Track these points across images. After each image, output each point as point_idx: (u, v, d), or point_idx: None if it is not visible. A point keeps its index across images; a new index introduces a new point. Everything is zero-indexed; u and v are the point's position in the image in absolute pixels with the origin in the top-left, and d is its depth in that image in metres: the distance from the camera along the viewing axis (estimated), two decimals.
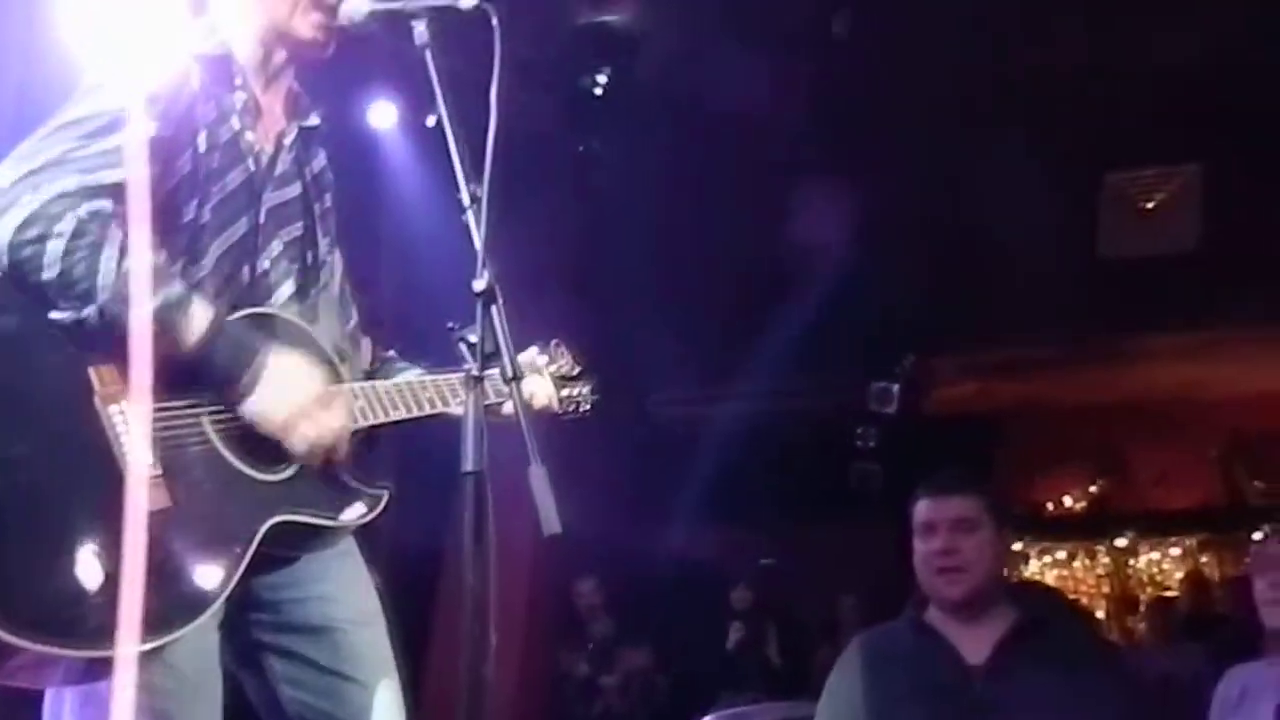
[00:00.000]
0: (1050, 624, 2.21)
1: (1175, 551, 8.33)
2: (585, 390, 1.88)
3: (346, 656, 1.49)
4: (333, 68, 1.60)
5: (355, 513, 1.46)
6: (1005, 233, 5.89)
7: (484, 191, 1.31)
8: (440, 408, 1.58)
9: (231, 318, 1.42)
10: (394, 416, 1.52)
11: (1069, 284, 6.23)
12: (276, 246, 1.54)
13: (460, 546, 1.20)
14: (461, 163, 1.35)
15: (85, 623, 1.18)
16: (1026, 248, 5.98)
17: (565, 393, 1.84)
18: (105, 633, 1.17)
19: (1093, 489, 8.51)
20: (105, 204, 1.31)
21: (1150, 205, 6.40)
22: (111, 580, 1.18)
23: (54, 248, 1.26)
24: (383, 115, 4.88)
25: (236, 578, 1.32)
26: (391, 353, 1.73)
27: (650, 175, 5.60)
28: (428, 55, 1.39)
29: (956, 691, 2.06)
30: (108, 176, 1.31)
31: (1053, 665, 2.06)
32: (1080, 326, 6.64)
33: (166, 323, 1.30)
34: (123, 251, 1.29)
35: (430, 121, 1.42)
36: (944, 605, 2.14)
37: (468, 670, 1.17)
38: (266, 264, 1.52)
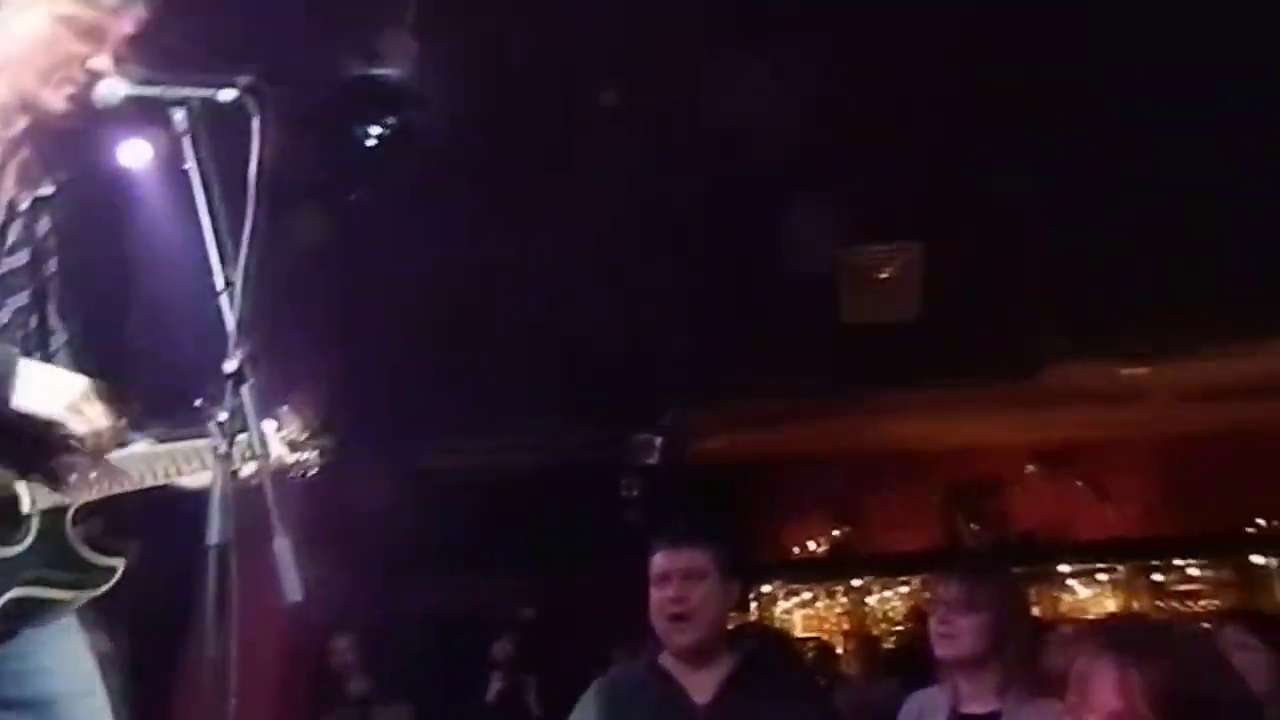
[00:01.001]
0: (766, 665, 2.45)
1: (904, 590, 9.09)
2: (314, 455, 1.91)
3: None
4: None
5: (91, 584, 1.46)
6: (758, 296, 6.37)
7: (239, 276, 1.38)
8: (174, 478, 1.60)
9: None
10: (128, 487, 1.54)
11: (813, 346, 6.80)
12: (4, 315, 1.52)
13: (203, 616, 1.25)
14: (219, 244, 1.40)
15: None
16: (777, 311, 6.49)
17: (295, 458, 1.86)
18: None
19: (834, 534, 9.19)
20: None
21: (881, 277, 7.07)
22: None
23: None
24: (136, 154, 4.64)
25: None
26: (123, 422, 1.72)
27: (421, 227, 5.63)
28: (185, 143, 1.44)
29: None
30: None
31: (768, 701, 2.27)
32: (822, 385, 7.21)
33: None
34: None
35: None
36: (674, 650, 2.32)
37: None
38: None
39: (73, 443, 1.48)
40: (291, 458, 1.84)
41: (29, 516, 1.43)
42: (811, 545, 9.14)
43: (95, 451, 1.49)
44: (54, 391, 1.46)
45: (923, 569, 8.93)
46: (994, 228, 5.92)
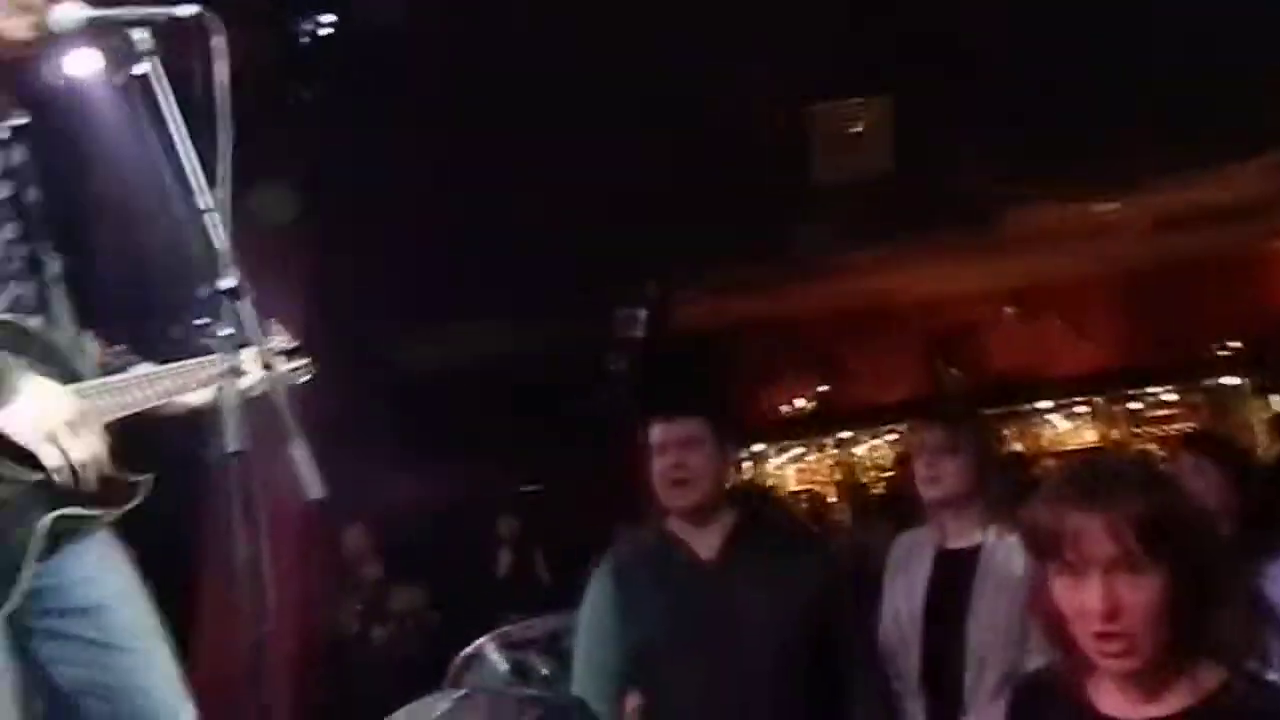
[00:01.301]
0: (765, 519, 2.59)
1: (891, 438, 9.37)
2: (301, 363, 1.98)
3: (117, 630, 1.58)
4: None
5: (120, 501, 1.54)
6: (729, 159, 6.33)
7: (223, 194, 1.40)
8: (176, 397, 1.66)
9: None
10: (143, 406, 1.60)
11: (785, 204, 6.81)
12: None
13: (224, 520, 1.33)
14: (196, 167, 1.42)
15: None
16: (750, 173, 6.46)
17: (285, 368, 1.90)
18: None
19: (820, 389, 9.41)
20: None
21: (854, 132, 7.02)
22: None
23: None
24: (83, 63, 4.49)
25: (25, 573, 1.38)
26: (121, 347, 1.77)
27: (381, 117, 5.54)
28: (150, 64, 1.44)
29: (693, 582, 2.38)
30: None
31: (768, 552, 2.42)
32: (798, 243, 7.26)
33: None
34: None
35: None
36: (678, 512, 2.44)
37: (249, 631, 1.31)
38: None
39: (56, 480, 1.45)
40: (283, 367, 1.89)
41: None
42: (799, 403, 9.37)
43: (70, 483, 1.46)
44: (34, 419, 1.43)
45: (907, 417, 9.18)
46: (960, 75, 5.88)
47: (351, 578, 5.53)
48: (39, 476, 1.47)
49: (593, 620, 2.46)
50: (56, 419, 1.45)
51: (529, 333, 7.24)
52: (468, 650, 3.25)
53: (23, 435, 1.42)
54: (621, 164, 6.15)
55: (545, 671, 3.07)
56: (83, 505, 1.50)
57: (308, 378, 1.94)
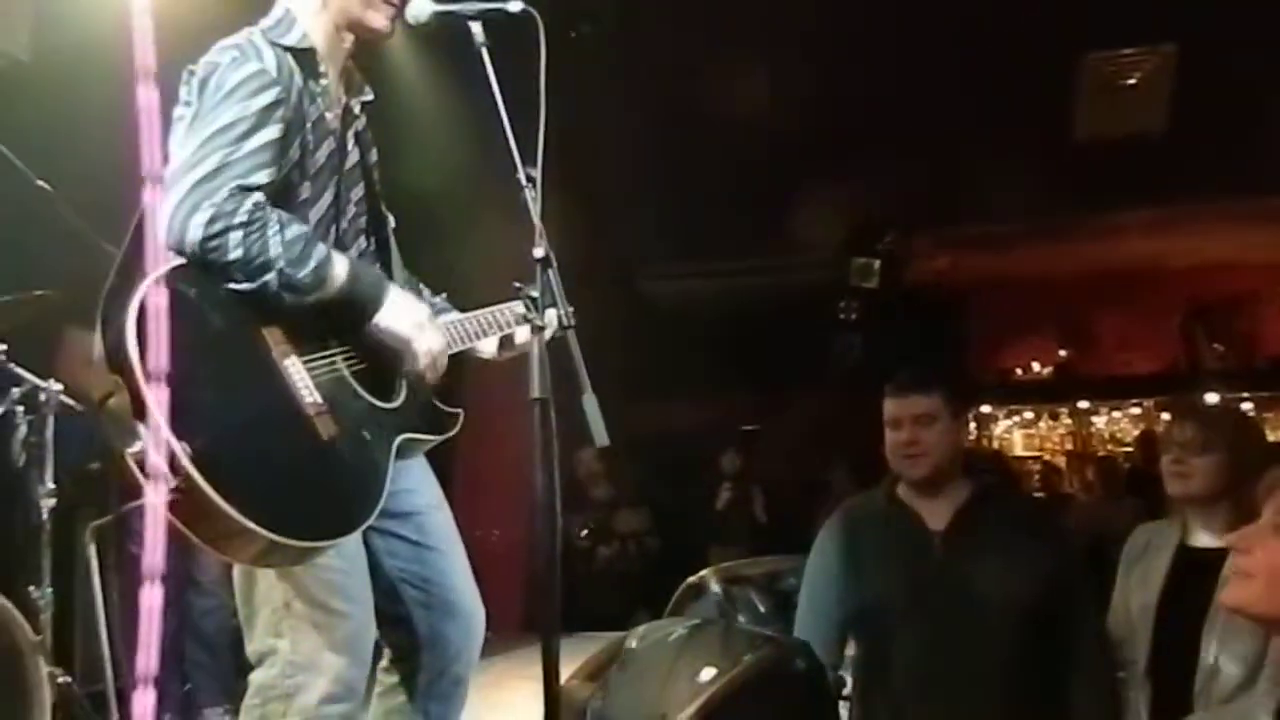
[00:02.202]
0: (998, 495, 2.61)
1: (1135, 412, 8.85)
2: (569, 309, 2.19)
3: (429, 533, 1.88)
4: None
5: (445, 429, 1.84)
6: (984, 111, 6.10)
7: (538, 173, 1.61)
8: (496, 332, 1.92)
9: None
10: (464, 345, 1.87)
11: (1045, 161, 6.48)
12: (351, 209, 1.83)
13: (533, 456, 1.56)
14: (517, 142, 1.63)
15: (301, 520, 1.58)
16: (1006, 124, 6.20)
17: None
18: (318, 527, 1.59)
19: (1061, 354, 8.98)
20: (260, 196, 1.61)
21: (1129, 84, 6.56)
22: (314, 489, 1.59)
23: (235, 236, 1.57)
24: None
25: (387, 483, 1.69)
26: (443, 297, 2.05)
27: (634, 54, 5.73)
28: (484, 53, 1.66)
29: (921, 551, 2.45)
30: (259, 178, 1.62)
31: (1000, 528, 2.45)
32: (1052, 202, 6.90)
33: (325, 274, 1.63)
34: (282, 225, 1.61)
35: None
36: (909, 481, 2.51)
37: (543, 553, 1.55)
38: (345, 225, 1.82)
39: (410, 362, 1.73)
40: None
41: (398, 378, 1.79)
42: (1035, 366, 8.99)
43: (428, 369, 1.73)
44: (407, 314, 1.71)
45: (1156, 391, 8.64)
46: (1253, 27, 5.36)
47: (583, 497, 5.92)
48: (389, 404, 1.75)
49: (820, 569, 2.58)
50: (420, 315, 1.74)
51: (765, 274, 7.32)
52: (692, 579, 3.46)
53: (400, 325, 1.71)
54: (875, 107, 6.07)
55: (763, 609, 3.25)
56: (419, 431, 1.79)
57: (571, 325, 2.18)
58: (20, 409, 2.76)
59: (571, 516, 5.92)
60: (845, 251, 7.35)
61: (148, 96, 0.92)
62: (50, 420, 2.68)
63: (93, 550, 2.69)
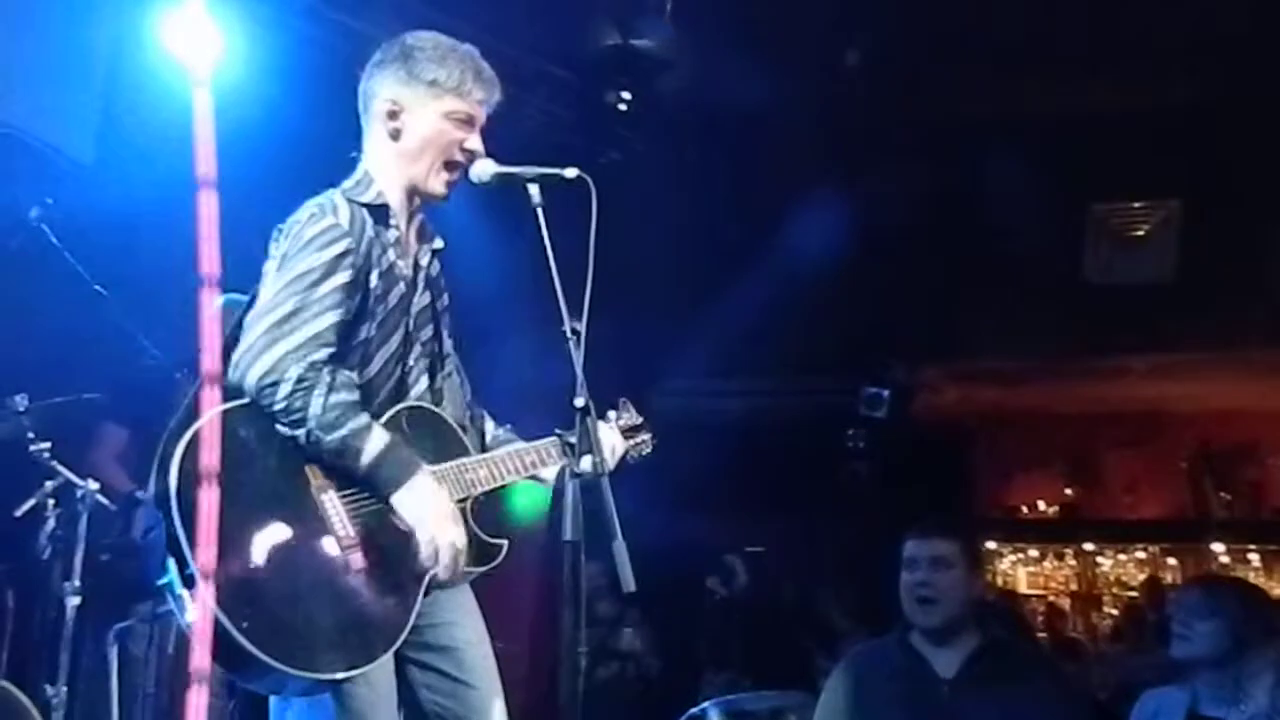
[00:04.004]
0: (1008, 645, 2.65)
1: (1141, 556, 8.79)
2: (647, 437, 2.29)
3: (468, 669, 1.92)
4: None
5: (488, 559, 1.90)
6: (999, 251, 6.29)
7: (583, 326, 1.72)
8: (535, 470, 2.00)
9: (390, 412, 1.84)
10: (507, 480, 1.95)
11: (1054, 303, 6.65)
12: (417, 349, 1.94)
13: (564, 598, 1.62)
14: (565, 297, 1.74)
15: (316, 652, 1.63)
16: (1018, 267, 6.39)
17: (631, 442, 2.24)
18: (334, 659, 1.64)
19: (1067, 493, 8.97)
20: (320, 354, 1.73)
21: (1136, 235, 6.77)
22: (335, 621, 1.64)
23: (283, 390, 1.69)
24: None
25: (414, 614, 1.75)
26: (508, 427, 2.14)
27: (658, 184, 5.95)
28: (539, 213, 1.79)
29: (930, 698, 2.48)
30: (326, 320, 1.74)
31: (1009, 678, 2.48)
32: (1062, 343, 7.04)
33: (352, 445, 1.72)
34: (329, 390, 1.71)
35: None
36: (921, 629, 2.55)
37: (567, 685, 1.60)
38: (411, 362, 1.93)
39: (421, 556, 1.74)
40: (630, 441, 2.21)
41: None
42: (1041, 504, 8.99)
43: (428, 559, 1.73)
44: (427, 505, 1.74)
45: (1162, 537, 8.61)
46: (1257, 185, 5.58)
47: (587, 612, 5.85)
48: None
49: (830, 712, 2.60)
50: (439, 508, 1.78)
51: (778, 400, 7.42)
52: (694, 711, 3.45)
53: (412, 513, 1.76)
54: (891, 246, 6.26)
55: None
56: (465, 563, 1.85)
57: (648, 451, 2.25)
58: (51, 502, 2.82)
59: (574, 632, 5.87)
60: (855, 380, 7.45)
61: (208, 203, 0.98)
62: (84, 519, 2.74)
63: (114, 652, 2.72)
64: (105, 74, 3.86)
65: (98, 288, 2.78)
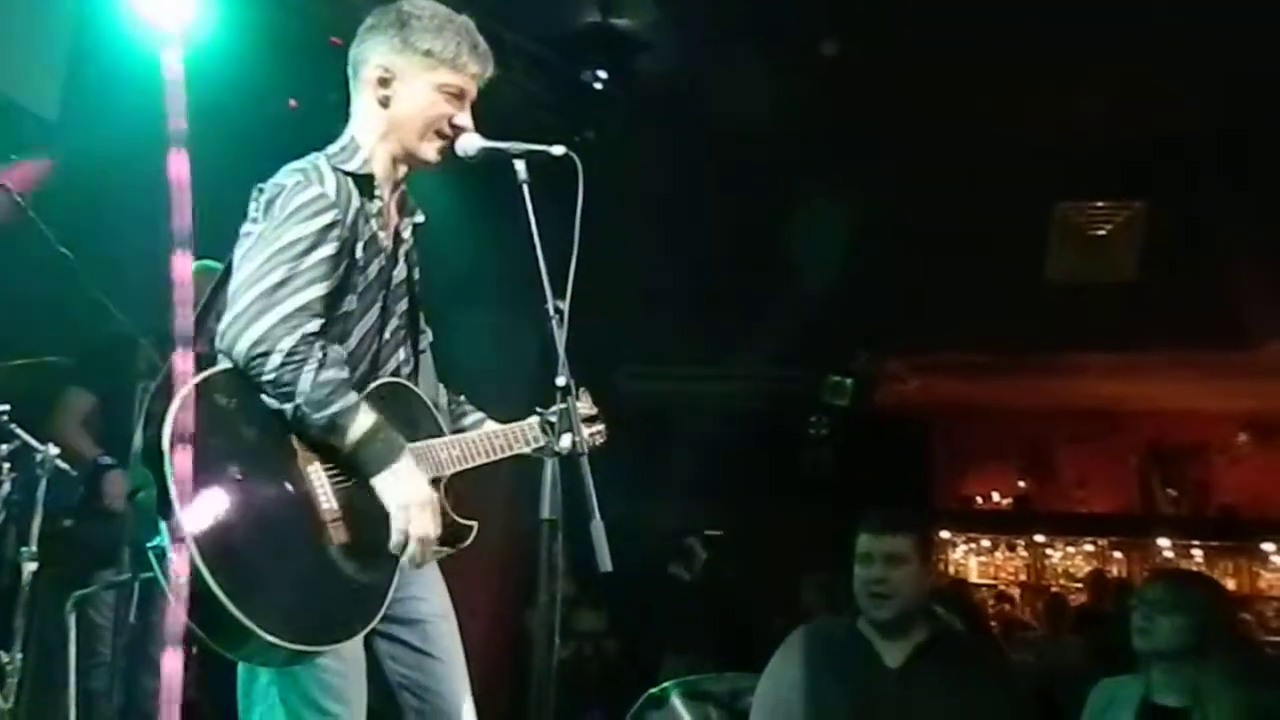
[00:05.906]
0: (954, 638, 2.69)
1: (1089, 549, 8.98)
2: (601, 428, 2.28)
3: (433, 642, 1.92)
4: None
5: (459, 540, 1.90)
6: (963, 247, 6.36)
7: (566, 306, 1.71)
8: (510, 452, 1.99)
9: (367, 388, 1.82)
10: (479, 462, 1.94)
11: (1017, 299, 6.74)
12: (394, 322, 1.92)
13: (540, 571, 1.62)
14: (549, 276, 1.74)
15: (299, 623, 1.62)
16: (983, 263, 6.46)
17: (586, 433, 2.22)
18: (313, 632, 1.63)
19: (1020, 485, 9.14)
20: (311, 325, 1.70)
21: (1098, 235, 6.88)
22: (318, 594, 1.63)
23: (273, 361, 1.66)
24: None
25: (393, 590, 1.74)
26: (461, 397, 2.13)
27: (628, 168, 5.93)
28: (525, 189, 1.78)
29: (875, 686, 2.51)
30: (315, 291, 1.71)
31: (953, 670, 2.50)
32: (1023, 339, 7.14)
33: (339, 424, 1.70)
34: (320, 366, 1.68)
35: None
36: (873, 622, 2.57)
37: (540, 658, 1.60)
38: (388, 336, 1.90)
39: (390, 543, 1.72)
40: (586, 431, 2.19)
41: None
42: (995, 496, 9.14)
43: (409, 556, 1.72)
44: (406, 490, 1.72)
45: (1110, 531, 8.80)
46: (1220, 189, 5.69)
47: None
48: None
49: (772, 692, 2.62)
50: (418, 495, 1.75)
51: (741, 386, 7.45)
52: (653, 690, 3.47)
53: (391, 497, 1.74)
54: (859, 238, 6.30)
55: None
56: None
57: (602, 440, 2.24)
58: (7, 465, 2.76)
59: (530, 610, 5.88)
60: (820, 368, 7.51)
61: (178, 162, 0.96)
62: (42, 483, 2.69)
63: (73, 620, 2.68)
64: (71, 27, 3.75)
65: (62, 249, 2.71)
